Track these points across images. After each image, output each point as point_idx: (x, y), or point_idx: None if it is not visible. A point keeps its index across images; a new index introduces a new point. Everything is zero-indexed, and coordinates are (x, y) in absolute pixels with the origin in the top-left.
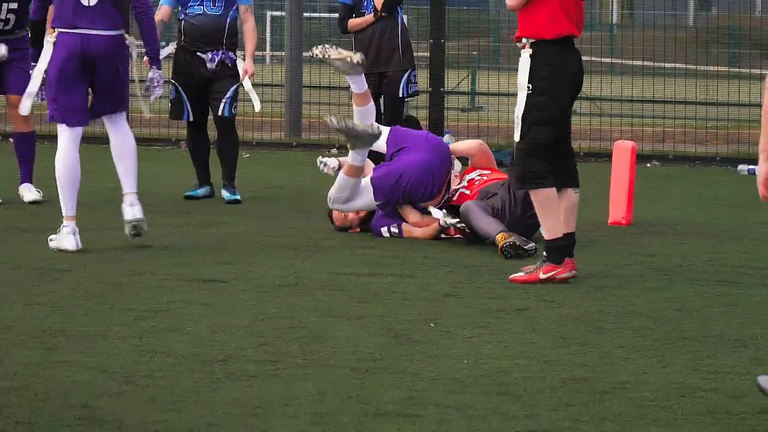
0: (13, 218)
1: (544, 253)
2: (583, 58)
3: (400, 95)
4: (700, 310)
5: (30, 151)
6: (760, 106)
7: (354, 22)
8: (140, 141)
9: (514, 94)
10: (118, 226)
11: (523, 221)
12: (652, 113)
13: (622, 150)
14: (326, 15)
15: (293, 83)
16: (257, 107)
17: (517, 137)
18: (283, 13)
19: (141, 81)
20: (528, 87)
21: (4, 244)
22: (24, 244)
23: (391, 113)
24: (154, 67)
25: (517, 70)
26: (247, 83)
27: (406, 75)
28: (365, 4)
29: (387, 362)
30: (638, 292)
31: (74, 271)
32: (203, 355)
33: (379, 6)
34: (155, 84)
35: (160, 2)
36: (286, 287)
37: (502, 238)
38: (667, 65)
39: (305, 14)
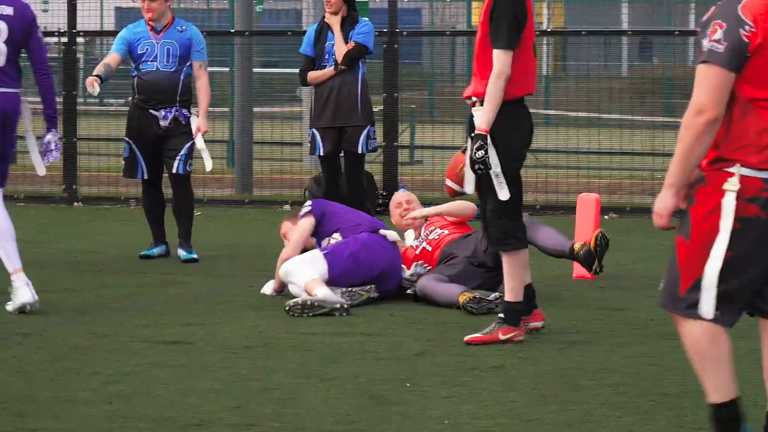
0: None
1: (501, 315)
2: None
3: (360, 151)
4: (676, 366)
5: None
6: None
7: (314, 75)
8: (88, 200)
9: (454, 147)
10: (74, 287)
11: (489, 277)
12: (599, 164)
13: (586, 202)
14: (267, 70)
15: (243, 139)
16: (208, 166)
17: (506, 195)
18: (222, 69)
19: (37, 138)
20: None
21: None
22: None
23: (351, 169)
24: (53, 130)
25: (452, 123)
26: (199, 141)
27: (365, 131)
28: (326, 57)
29: (365, 424)
30: (611, 347)
31: (35, 334)
32: (176, 419)
33: (339, 58)
34: (52, 147)
35: (110, 50)
36: (253, 348)
37: (462, 297)
38: (604, 116)
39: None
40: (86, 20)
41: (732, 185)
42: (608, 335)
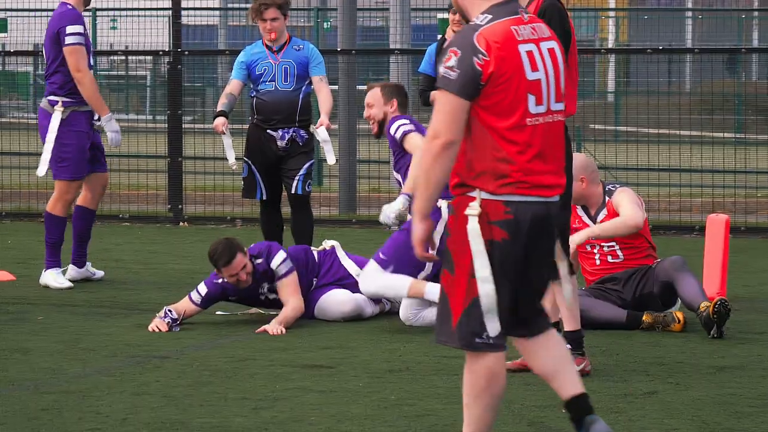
0: (90, 301)
1: (568, 346)
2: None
3: None
4: None
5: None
6: None
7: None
8: (193, 220)
9: None
10: (207, 311)
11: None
12: (678, 181)
13: (716, 223)
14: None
15: (349, 158)
16: (331, 160)
17: None
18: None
19: None
20: None
21: (90, 329)
22: (110, 329)
23: None
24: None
25: None
26: (323, 132)
27: None
28: None
29: None
30: (764, 373)
31: (173, 357)
32: None
33: None
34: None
35: (231, 76)
36: (397, 372)
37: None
38: (674, 132)
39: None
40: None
41: (473, 210)
42: (757, 360)
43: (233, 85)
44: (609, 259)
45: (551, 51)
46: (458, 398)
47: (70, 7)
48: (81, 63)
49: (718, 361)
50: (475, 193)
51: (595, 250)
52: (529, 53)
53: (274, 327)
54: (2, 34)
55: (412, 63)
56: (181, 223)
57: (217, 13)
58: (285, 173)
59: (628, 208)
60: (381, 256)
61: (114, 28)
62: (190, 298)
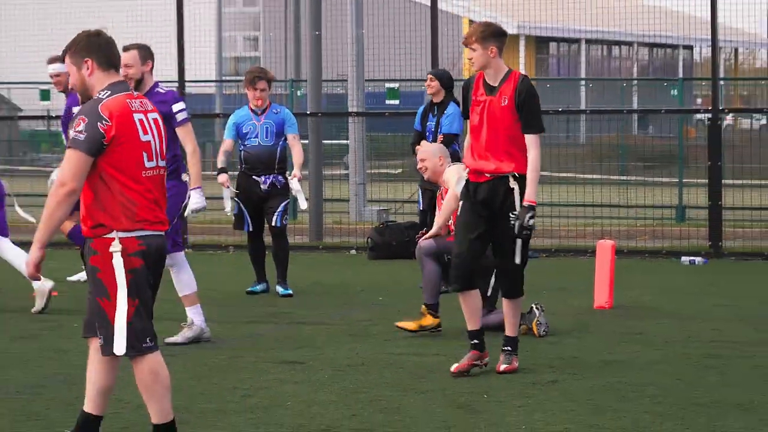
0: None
1: (509, 347)
2: None
3: None
4: (698, 381)
5: None
6: (667, 207)
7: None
8: (196, 246)
9: None
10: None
11: None
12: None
13: (604, 247)
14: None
15: (317, 197)
16: (303, 205)
17: (519, 259)
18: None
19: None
20: (515, 215)
21: None
22: None
23: None
24: None
25: None
26: (295, 184)
27: None
28: (428, 135)
29: (459, 429)
30: (643, 365)
31: (180, 355)
32: (307, 426)
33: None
34: None
35: (224, 136)
36: (355, 366)
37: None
38: (570, 175)
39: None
40: None
41: (115, 247)
42: (636, 355)
43: (227, 144)
44: None
45: (155, 120)
46: (402, 386)
47: None
48: None
49: (607, 356)
50: (113, 234)
51: None
52: (141, 121)
53: None
54: (46, 102)
55: (366, 123)
56: (186, 250)
57: (213, 84)
58: (267, 210)
59: (453, 184)
60: None
61: None
62: None
